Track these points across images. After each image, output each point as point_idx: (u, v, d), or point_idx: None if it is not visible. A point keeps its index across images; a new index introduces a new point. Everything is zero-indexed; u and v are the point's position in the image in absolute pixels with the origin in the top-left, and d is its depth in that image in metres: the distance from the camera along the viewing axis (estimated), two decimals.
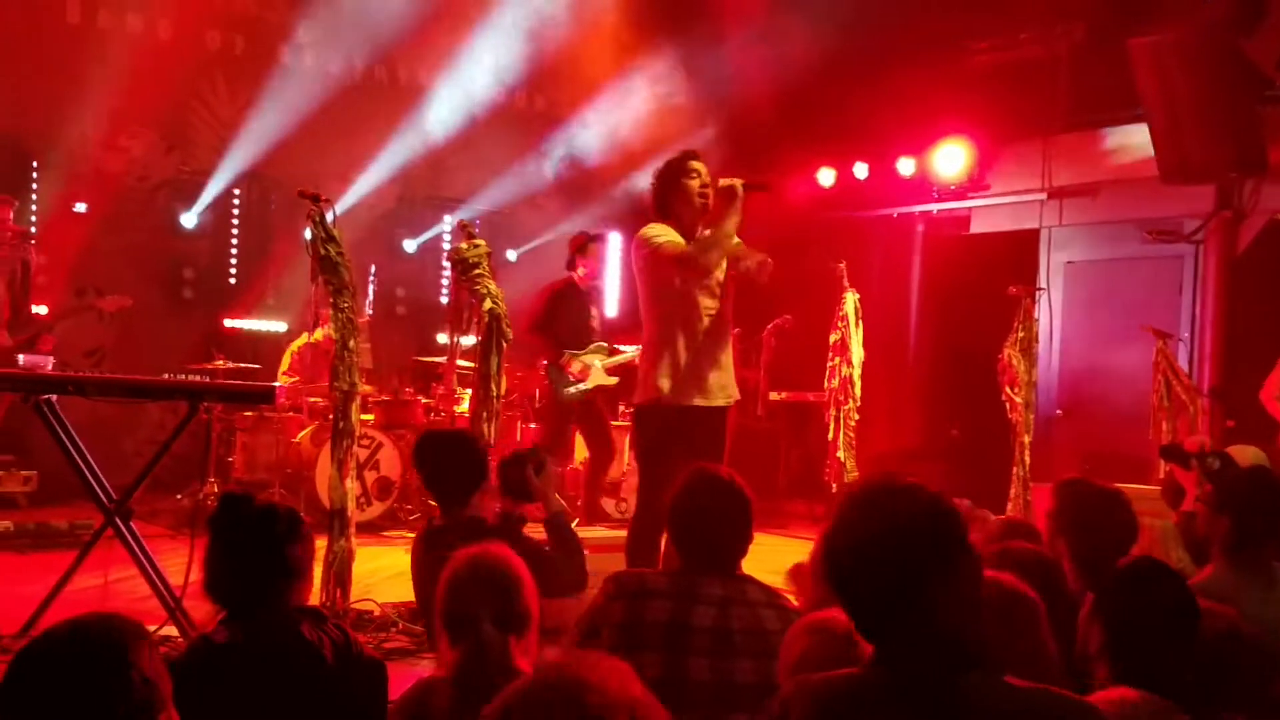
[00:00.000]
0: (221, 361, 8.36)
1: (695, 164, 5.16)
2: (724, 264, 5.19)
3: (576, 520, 8.20)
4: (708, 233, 5.07)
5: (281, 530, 2.70)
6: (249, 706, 2.49)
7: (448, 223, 11.41)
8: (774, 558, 3.20)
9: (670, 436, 5.00)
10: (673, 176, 5.16)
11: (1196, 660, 2.60)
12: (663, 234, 5.08)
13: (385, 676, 2.71)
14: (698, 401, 5.10)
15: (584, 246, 8.40)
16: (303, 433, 8.48)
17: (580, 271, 8.29)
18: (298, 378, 8.77)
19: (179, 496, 8.38)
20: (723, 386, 5.22)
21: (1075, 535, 3.57)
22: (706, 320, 5.13)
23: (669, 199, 5.17)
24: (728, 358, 5.27)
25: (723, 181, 5.09)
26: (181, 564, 5.53)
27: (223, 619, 2.65)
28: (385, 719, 2.68)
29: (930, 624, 1.95)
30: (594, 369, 8.13)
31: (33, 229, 8.98)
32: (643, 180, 11.25)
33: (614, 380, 8.25)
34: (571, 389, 8.11)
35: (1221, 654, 2.67)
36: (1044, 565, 3.27)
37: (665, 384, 5.06)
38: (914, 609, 1.95)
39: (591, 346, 8.21)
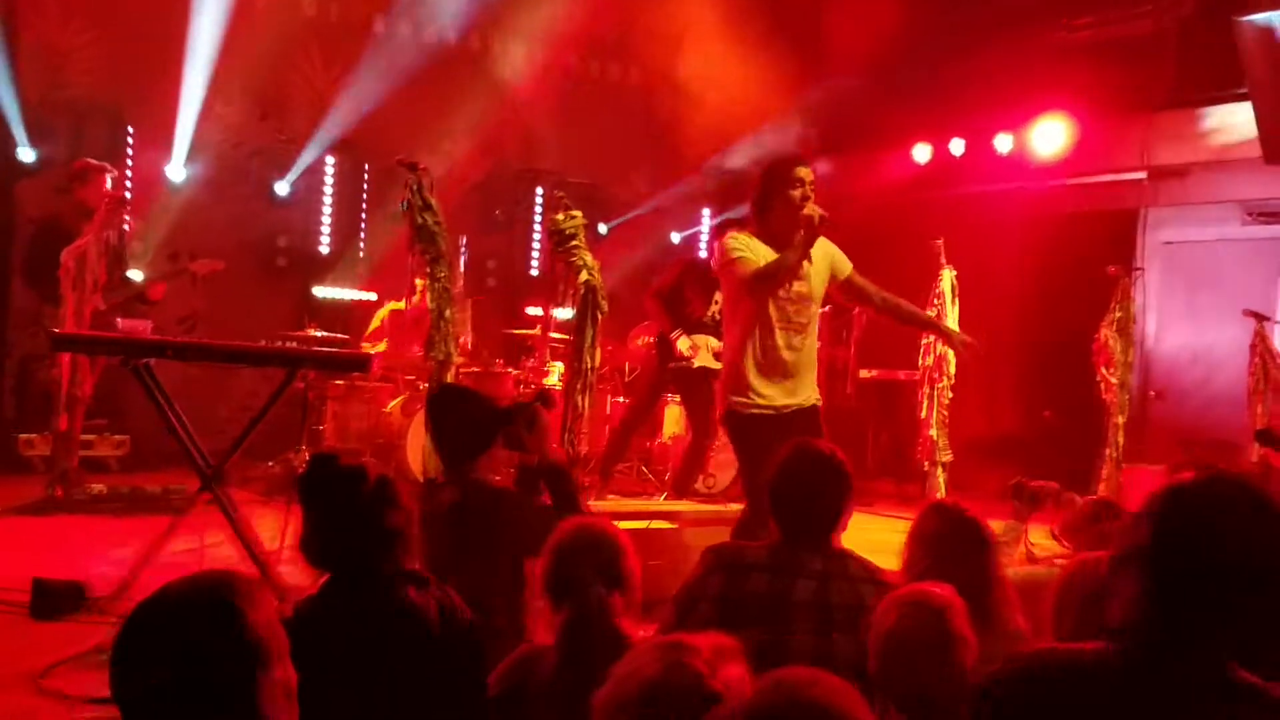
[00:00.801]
0: (314, 330, 8.45)
1: (801, 171, 4.97)
2: (819, 277, 5.12)
3: (665, 495, 8.23)
4: (772, 264, 4.91)
5: (369, 490, 2.66)
6: (351, 668, 2.49)
7: (539, 195, 11.42)
8: (861, 536, 3.20)
9: (763, 439, 4.92)
10: (777, 182, 4.98)
11: None
12: (743, 249, 4.96)
13: (485, 639, 2.70)
14: (782, 402, 5.04)
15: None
16: (394, 402, 8.52)
17: None
18: (384, 342, 8.81)
19: (270, 464, 8.47)
20: (805, 387, 5.14)
21: None
22: (787, 328, 5.04)
23: (770, 202, 5.00)
24: (811, 361, 5.20)
25: (807, 211, 4.86)
26: (274, 530, 5.66)
27: (325, 581, 2.65)
28: (487, 686, 2.68)
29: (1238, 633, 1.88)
30: (702, 350, 7.98)
31: (128, 195, 9.12)
32: (735, 158, 11.28)
33: (719, 365, 8.11)
34: (674, 365, 8.03)
35: None
36: None
37: (747, 390, 5.01)
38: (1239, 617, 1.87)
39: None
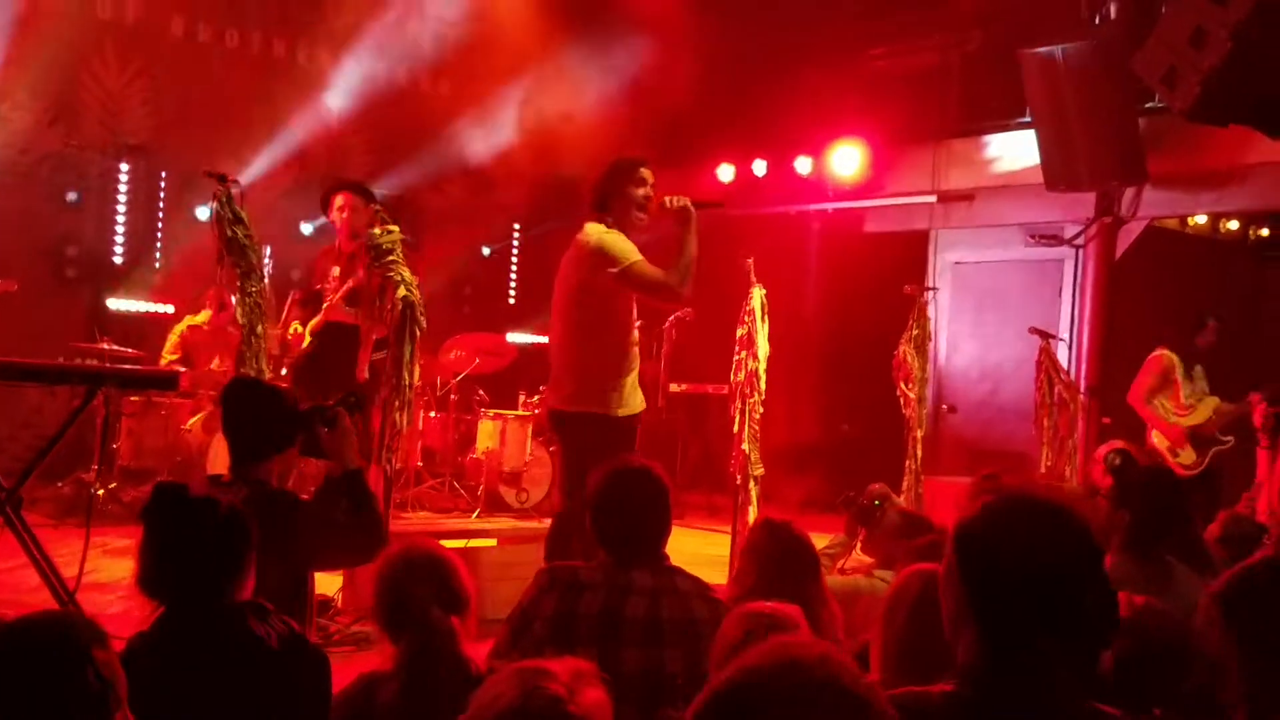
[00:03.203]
0: (107, 343, 8.10)
1: (645, 172, 5.07)
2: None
3: (478, 512, 8.16)
4: (684, 262, 4.96)
5: (221, 521, 2.63)
6: (193, 702, 2.43)
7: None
8: (673, 547, 3.28)
9: (606, 444, 4.97)
10: (620, 179, 5.05)
11: (1143, 660, 2.73)
12: (631, 252, 4.94)
13: (329, 670, 2.67)
14: (635, 410, 5.16)
15: (325, 200, 7.16)
16: (194, 419, 8.24)
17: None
18: (176, 357, 8.52)
19: (60, 484, 8.08)
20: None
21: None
22: (636, 333, 5.17)
23: (610, 199, 5.05)
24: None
25: (672, 201, 4.98)
26: (67, 555, 5.41)
27: (161, 614, 2.57)
28: (329, 712, 2.64)
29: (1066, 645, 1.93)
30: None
31: None
32: (551, 169, 11.33)
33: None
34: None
35: (1169, 659, 2.80)
36: None
37: (616, 398, 5.04)
38: (1061, 628, 1.93)
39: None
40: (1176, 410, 8.03)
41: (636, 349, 5.18)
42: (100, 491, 7.73)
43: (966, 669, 1.93)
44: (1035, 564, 1.89)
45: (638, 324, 5.27)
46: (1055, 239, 9.99)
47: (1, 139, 9.36)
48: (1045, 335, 8.55)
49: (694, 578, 3.27)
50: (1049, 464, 8.12)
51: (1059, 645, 1.90)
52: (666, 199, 5.01)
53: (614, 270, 4.90)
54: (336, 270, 6.87)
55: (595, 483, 3.31)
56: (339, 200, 6.87)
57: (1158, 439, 8.08)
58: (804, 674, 1.37)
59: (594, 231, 5.00)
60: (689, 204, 5.00)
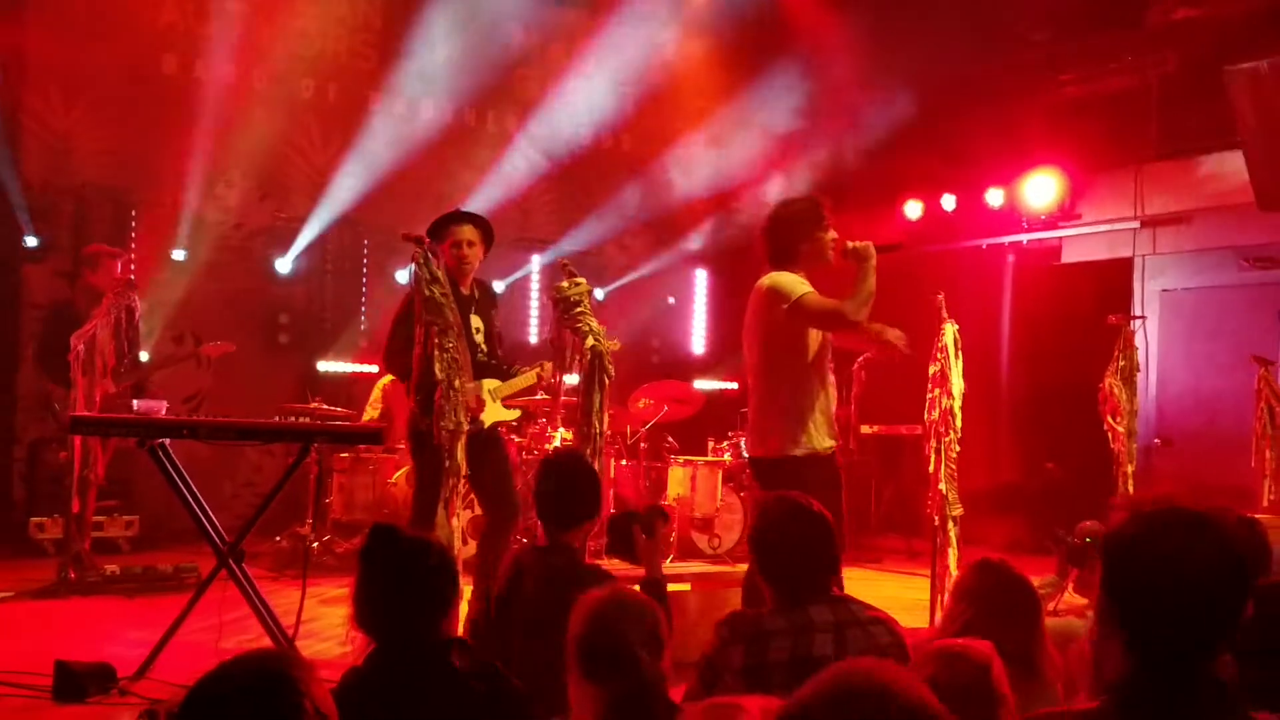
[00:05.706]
0: (318, 403, 8.50)
1: (828, 216, 5.11)
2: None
3: (671, 557, 8.18)
4: (862, 292, 4.94)
5: (433, 562, 2.72)
6: None
7: (536, 263, 11.50)
8: (868, 592, 3.20)
9: (804, 485, 4.94)
10: (807, 224, 5.07)
11: None
12: (802, 285, 4.98)
13: (531, 707, 2.70)
14: (828, 446, 5.10)
15: (436, 232, 5.94)
16: (398, 473, 8.54)
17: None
18: (377, 412, 8.85)
19: (278, 539, 8.46)
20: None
21: None
22: (829, 370, 5.14)
23: (798, 246, 5.08)
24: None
25: (853, 245, 4.99)
26: (285, 605, 5.66)
27: (373, 651, 2.66)
28: None
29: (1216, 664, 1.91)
30: (488, 402, 6.00)
31: (132, 278, 9.18)
32: (732, 217, 11.42)
33: (514, 414, 6.41)
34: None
35: None
36: None
37: (808, 438, 5.01)
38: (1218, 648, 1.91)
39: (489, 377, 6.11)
40: None
41: (829, 388, 5.14)
42: (315, 544, 8.06)
43: (1114, 686, 1.91)
44: (1182, 577, 1.86)
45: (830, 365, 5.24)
46: (1272, 261, 9.48)
47: (217, 216, 9.99)
48: (1265, 362, 8.11)
49: (865, 603, 3.21)
50: (1271, 498, 7.66)
51: (1209, 659, 1.87)
52: (849, 244, 5.01)
53: (785, 306, 4.94)
54: (479, 324, 6.17)
55: (754, 523, 3.31)
56: (460, 232, 5.97)
57: None
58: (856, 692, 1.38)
59: (767, 277, 5.06)
60: (871, 248, 4.99)
